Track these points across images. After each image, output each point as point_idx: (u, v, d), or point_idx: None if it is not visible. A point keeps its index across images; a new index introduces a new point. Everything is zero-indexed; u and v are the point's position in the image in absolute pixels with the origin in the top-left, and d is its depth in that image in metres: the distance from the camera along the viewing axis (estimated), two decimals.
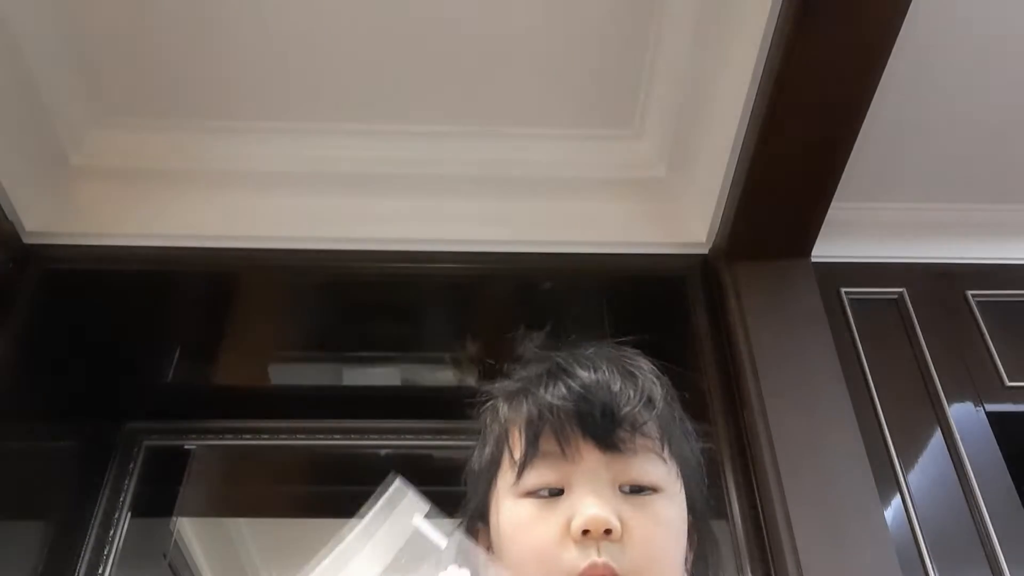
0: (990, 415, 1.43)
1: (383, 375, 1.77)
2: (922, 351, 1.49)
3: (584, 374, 0.71)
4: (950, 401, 1.43)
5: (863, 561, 1.19)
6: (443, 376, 1.77)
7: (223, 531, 1.95)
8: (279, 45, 1.48)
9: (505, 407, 0.76)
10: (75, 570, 1.56)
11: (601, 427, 0.69)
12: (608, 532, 0.64)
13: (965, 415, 1.42)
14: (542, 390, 0.72)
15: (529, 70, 1.52)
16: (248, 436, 1.77)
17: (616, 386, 0.71)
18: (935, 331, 1.52)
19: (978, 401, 1.44)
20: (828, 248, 1.53)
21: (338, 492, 1.89)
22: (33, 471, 1.51)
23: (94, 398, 1.65)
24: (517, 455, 0.71)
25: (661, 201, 1.62)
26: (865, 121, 1.32)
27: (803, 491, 1.24)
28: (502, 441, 0.74)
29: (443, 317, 1.67)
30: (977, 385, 1.46)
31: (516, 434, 0.72)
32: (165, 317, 1.63)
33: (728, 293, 1.48)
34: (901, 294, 1.57)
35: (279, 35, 1.46)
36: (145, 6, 1.42)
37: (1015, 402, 1.45)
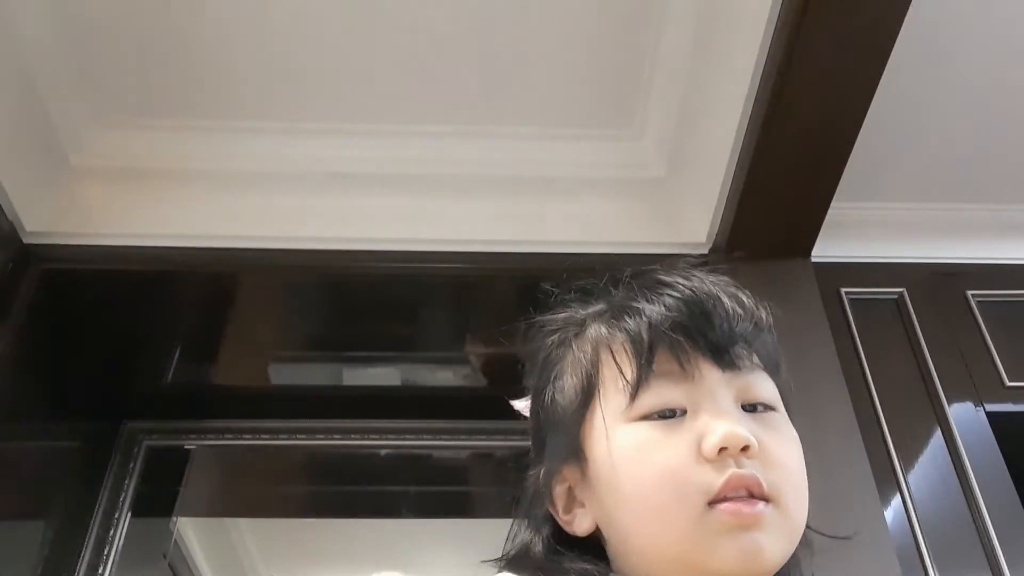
0: (990, 415, 1.43)
1: (383, 375, 1.77)
2: (922, 351, 1.49)
3: (688, 287, 0.66)
4: (950, 401, 1.43)
5: (863, 561, 1.19)
6: (443, 376, 1.77)
7: (223, 531, 1.95)
8: (279, 45, 1.48)
9: (597, 327, 0.68)
10: (75, 570, 1.56)
11: (720, 341, 0.64)
12: (745, 449, 0.59)
13: (965, 415, 1.42)
14: (645, 303, 0.65)
15: (529, 70, 1.52)
16: (248, 436, 1.77)
17: (727, 302, 0.65)
18: (935, 331, 1.52)
19: (978, 401, 1.44)
20: (828, 248, 1.53)
21: (338, 492, 1.89)
22: (33, 471, 1.51)
23: (94, 398, 1.65)
24: (628, 376, 0.63)
25: (661, 201, 1.62)
26: (865, 121, 1.32)
27: None
28: (596, 365, 0.66)
29: (443, 317, 1.67)
30: (977, 385, 1.46)
31: (620, 353, 0.65)
32: (165, 317, 1.62)
33: None
34: (901, 294, 1.57)
35: (279, 35, 1.46)
36: (145, 6, 1.42)
37: (1015, 402, 1.46)
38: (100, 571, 1.58)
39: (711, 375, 0.63)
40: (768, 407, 0.65)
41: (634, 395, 0.63)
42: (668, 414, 0.62)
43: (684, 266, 0.71)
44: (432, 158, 1.61)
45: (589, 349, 0.68)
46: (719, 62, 1.39)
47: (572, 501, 0.68)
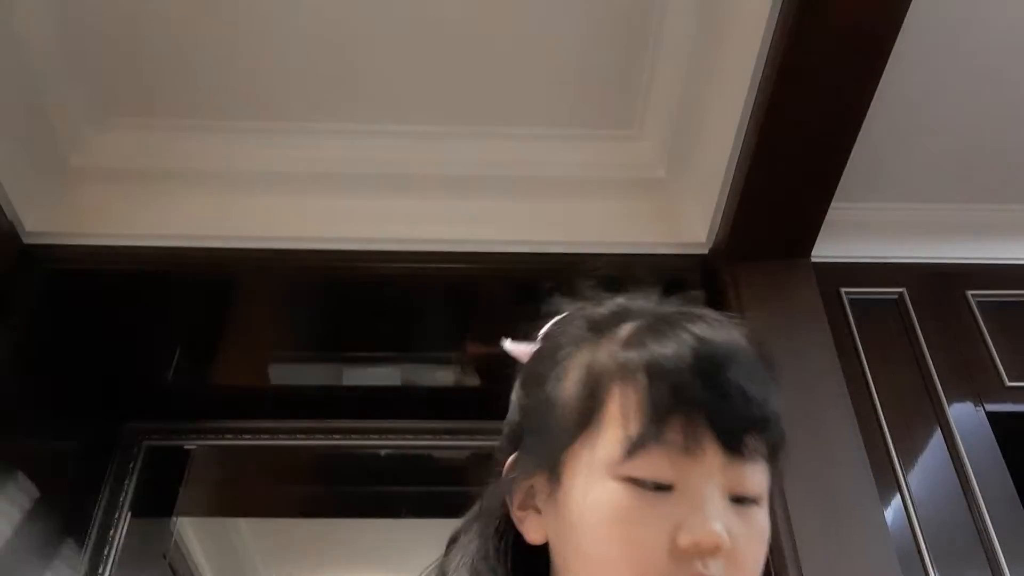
0: (990, 415, 1.43)
1: (383, 375, 1.77)
2: (922, 351, 1.49)
3: (727, 360, 0.60)
4: (950, 401, 1.43)
5: (863, 561, 1.19)
6: (443, 376, 1.77)
7: (223, 531, 1.95)
8: (279, 46, 1.48)
9: (623, 350, 0.63)
10: (75, 570, 1.56)
11: (735, 427, 0.60)
12: (717, 548, 0.57)
13: (965, 415, 1.42)
14: (677, 355, 0.60)
15: (529, 70, 1.52)
16: (248, 436, 1.77)
17: (755, 386, 0.61)
18: (935, 331, 1.52)
19: (978, 401, 1.44)
20: (828, 248, 1.53)
21: (338, 492, 1.89)
22: (33, 471, 1.51)
23: (94, 398, 1.65)
24: (631, 432, 0.59)
25: (661, 201, 1.62)
26: (865, 121, 1.32)
27: (803, 491, 1.24)
28: (605, 393, 0.61)
29: (443, 317, 1.67)
30: (977, 385, 1.46)
31: (633, 401, 0.60)
32: (165, 317, 1.62)
33: (728, 293, 1.48)
34: (901, 294, 1.57)
35: (279, 36, 1.46)
36: (145, 7, 1.42)
37: (1015, 402, 1.46)
38: (100, 571, 1.58)
39: (713, 459, 0.60)
40: (758, 500, 0.62)
41: (629, 455, 0.59)
42: (657, 487, 0.59)
43: (725, 320, 0.65)
44: (432, 158, 1.61)
45: (604, 370, 0.63)
46: (719, 63, 1.39)
47: (530, 500, 0.65)
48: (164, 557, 1.68)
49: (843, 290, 1.56)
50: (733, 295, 1.47)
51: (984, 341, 1.51)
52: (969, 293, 1.57)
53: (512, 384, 0.73)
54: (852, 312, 1.54)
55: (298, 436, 1.77)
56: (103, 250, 1.53)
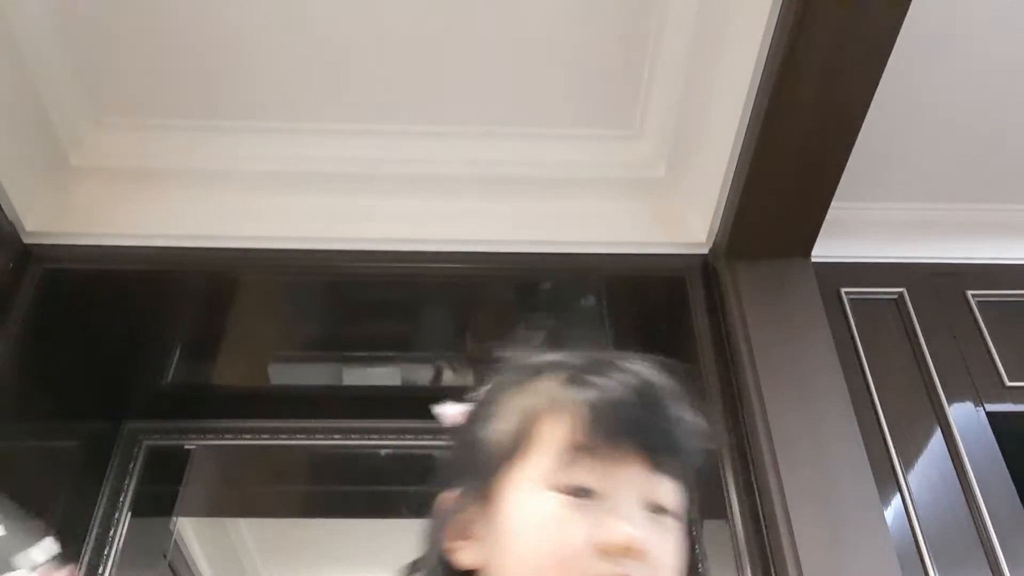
0: (990, 415, 1.43)
1: (383, 375, 1.77)
2: (922, 351, 1.49)
3: (646, 378, 0.68)
4: (950, 401, 1.43)
5: (863, 561, 1.19)
6: (443, 376, 1.77)
7: (223, 531, 1.95)
8: (279, 46, 1.48)
9: (548, 383, 0.70)
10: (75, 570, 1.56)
11: (658, 442, 0.67)
12: (632, 550, 0.63)
13: (965, 415, 1.42)
14: (600, 378, 0.67)
15: (529, 70, 1.52)
16: (248, 436, 1.77)
17: (673, 406, 0.68)
18: (935, 331, 1.52)
19: (978, 401, 1.44)
20: (828, 248, 1.53)
21: (338, 492, 1.90)
22: (33, 471, 1.51)
23: (94, 398, 1.65)
24: (556, 445, 0.66)
25: (661, 201, 1.62)
26: (865, 121, 1.32)
27: (803, 491, 1.24)
28: (534, 421, 0.68)
29: (443, 317, 1.67)
30: (977, 385, 1.46)
31: (558, 420, 0.67)
32: (165, 317, 1.62)
33: (728, 293, 1.48)
34: (901, 294, 1.57)
35: (279, 36, 1.46)
36: (145, 7, 1.42)
37: (1015, 402, 1.46)
38: (100, 571, 1.58)
39: (634, 470, 0.66)
40: (669, 513, 0.68)
41: (555, 466, 0.65)
42: (581, 494, 0.65)
43: (641, 360, 0.71)
44: (432, 158, 1.61)
45: (533, 402, 0.70)
46: (719, 62, 1.39)
47: (466, 531, 0.70)
48: (164, 557, 1.68)
49: (843, 290, 1.56)
50: (733, 295, 1.47)
51: (984, 341, 1.52)
52: (969, 293, 1.57)
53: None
54: (852, 312, 1.54)
55: (298, 436, 1.77)
56: (103, 250, 1.53)
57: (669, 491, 0.68)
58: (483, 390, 0.75)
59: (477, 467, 0.70)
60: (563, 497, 0.65)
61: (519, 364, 0.75)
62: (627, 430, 0.66)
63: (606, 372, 0.68)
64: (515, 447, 0.68)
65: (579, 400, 0.67)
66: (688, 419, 0.69)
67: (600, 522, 0.64)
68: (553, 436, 0.67)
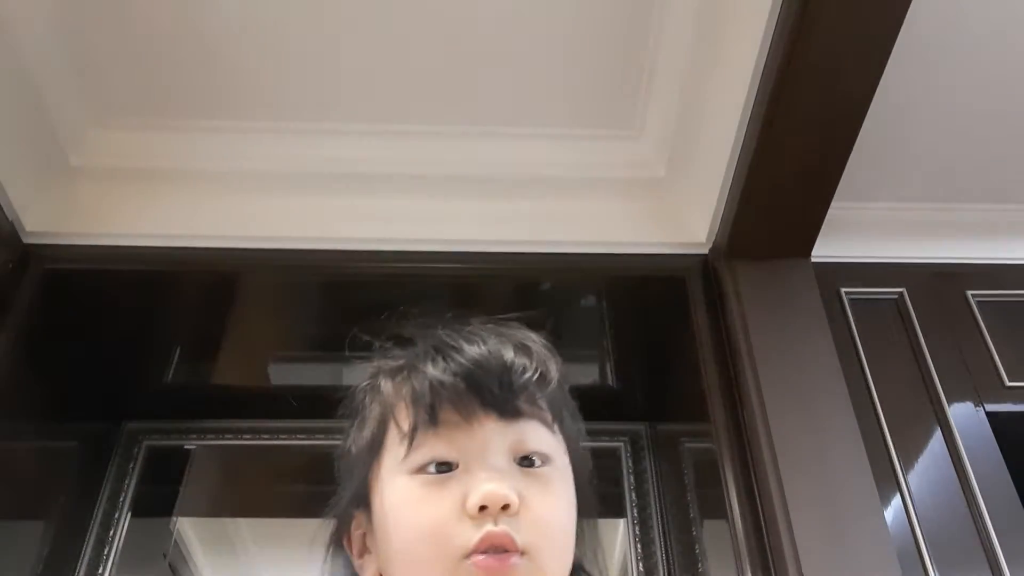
0: (990, 415, 1.43)
1: None
2: (922, 351, 1.49)
3: (473, 348, 0.69)
4: (950, 401, 1.43)
5: (863, 561, 1.19)
6: None
7: (223, 531, 1.95)
8: (279, 45, 1.48)
9: (389, 383, 0.72)
10: (75, 570, 1.56)
11: (497, 396, 0.66)
12: (506, 507, 0.62)
13: (965, 415, 1.42)
14: (430, 365, 0.68)
15: (529, 70, 1.52)
16: (248, 436, 1.77)
17: (509, 355, 0.68)
18: (935, 331, 1.52)
19: (978, 401, 1.44)
20: (828, 248, 1.53)
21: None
22: (33, 471, 1.51)
23: (94, 398, 1.65)
24: (404, 430, 0.67)
25: (661, 201, 1.62)
26: (865, 121, 1.32)
27: (803, 491, 1.24)
28: (386, 418, 0.70)
29: (443, 317, 1.67)
30: (977, 385, 1.46)
31: (402, 410, 0.69)
32: (165, 317, 1.62)
33: (728, 293, 1.48)
34: (901, 294, 1.57)
35: (279, 35, 1.46)
36: (145, 7, 1.42)
37: (1015, 402, 1.46)
38: (100, 571, 1.58)
39: (488, 427, 0.66)
40: (545, 459, 0.67)
41: (408, 448, 0.66)
42: (442, 468, 0.65)
43: (476, 323, 0.74)
44: (432, 158, 1.61)
45: (379, 403, 0.72)
46: (719, 62, 1.39)
47: (363, 546, 0.71)
48: (164, 557, 1.68)
49: (843, 290, 1.56)
50: (733, 295, 1.47)
51: (984, 341, 1.51)
52: (969, 293, 1.57)
53: None
54: (852, 312, 1.54)
55: (298, 436, 1.77)
56: (103, 250, 1.52)
57: (536, 437, 0.67)
58: (349, 401, 0.79)
59: (352, 476, 0.73)
60: (421, 477, 0.65)
61: (369, 374, 0.77)
62: (464, 393, 0.66)
63: (431, 355, 0.69)
64: (377, 445, 0.70)
65: (413, 386, 0.68)
66: (532, 356, 0.69)
67: (463, 489, 0.63)
68: (400, 422, 0.68)
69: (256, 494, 1.87)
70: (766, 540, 1.25)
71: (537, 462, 0.66)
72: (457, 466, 0.65)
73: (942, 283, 1.58)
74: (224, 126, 1.58)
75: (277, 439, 1.77)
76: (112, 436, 1.72)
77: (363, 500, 0.70)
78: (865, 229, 1.62)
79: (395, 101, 1.56)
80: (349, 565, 0.73)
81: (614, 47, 1.49)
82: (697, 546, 1.49)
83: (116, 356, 1.64)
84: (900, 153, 1.58)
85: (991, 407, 1.44)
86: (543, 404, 0.69)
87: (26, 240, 1.51)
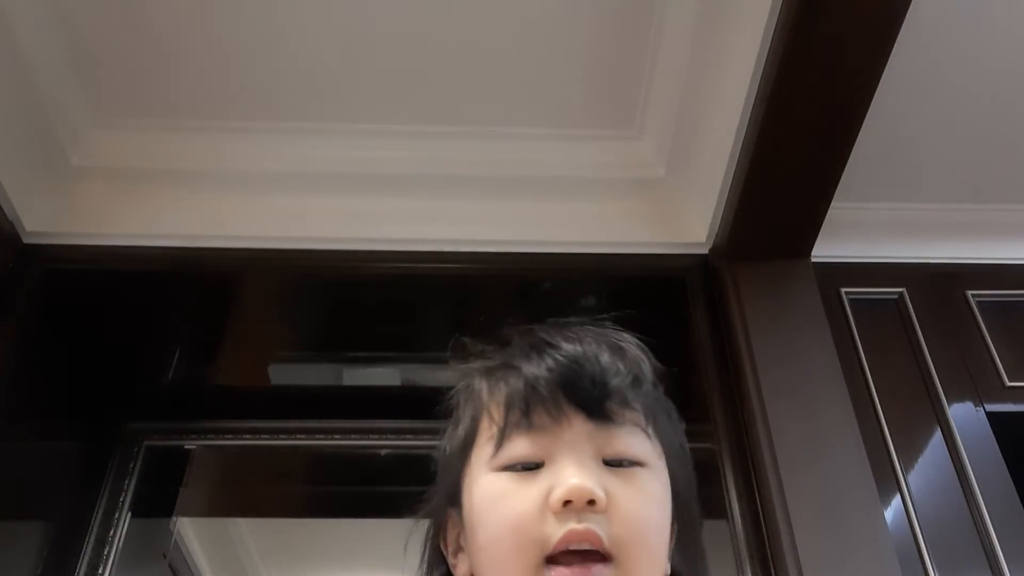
0: (990, 415, 1.43)
1: (383, 375, 1.77)
2: (922, 351, 1.49)
3: (569, 346, 0.68)
4: (950, 401, 1.43)
5: (863, 561, 1.19)
6: (443, 376, 1.77)
7: (223, 531, 1.95)
8: (279, 45, 1.48)
9: (483, 383, 0.72)
10: (75, 570, 1.56)
11: (589, 397, 0.66)
12: (592, 503, 0.61)
13: (965, 415, 1.42)
14: (525, 363, 0.68)
15: (529, 70, 1.52)
16: (248, 436, 1.77)
17: (604, 357, 0.68)
18: (935, 331, 1.52)
19: (978, 401, 1.44)
20: (828, 248, 1.53)
21: (338, 492, 1.89)
22: (33, 471, 1.51)
23: (94, 398, 1.65)
24: (496, 428, 0.67)
25: (661, 201, 1.62)
26: (865, 121, 1.32)
27: (803, 491, 1.24)
28: (479, 418, 0.70)
29: (443, 317, 1.67)
30: (977, 385, 1.46)
31: (495, 409, 0.69)
32: (165, 317, 1.62)
33: (728, 293, 1.48)
34: (901, 294, 1.57)
35: (279, 35, 1.46)
36: (145, 7, 1.42)
37: (1015, 402, 1.45)
38: (100, 571, 1.58)
39: (574, 429, 0.65)
40: (634, 462, 0.66)
41: (498, 446, 0.66)
42: (530, 466, 0.65)
43: (573, 323, 0.74)
44: (432, 158, 1.61)
45: (473, 404, 0.72)
46: (719, 62, 1.39)
47: (457, 544, 0.71)
48: (164, 557, 1.68)
49: (843, 290, 1.56)
50: (733, 295, 1.47)
51: (984, 341, 1.51)
52: (969, 293, 1.57)
53: None
54: (852, 312, 1.54)
55: (298, 436, 1.77)
56: (103, 250, 1.52)
57: (628, 440, 0.67)
58: (446, 405, 0.78)
59: (447, 474, 0.73)
60: (508, 474, 0.65)
61: (465, 374, 0.77)
62: (557, 393, 0.66)
63: (527, 353, 0.69)
64: (467, 444, 0.70)
65: (506, 385, 0.68)
66: (626, 359, 0.69)
67: (549, 484, 0.63)
68: (491, 421, 0.68)
69: (256, 494, 1.87)
70: (766, 540, 1.25)
71: (627, 464, 0.66)
72: (544, 464, 0.65)
73: (942, 283, 1.58)
74: (224, 126, 1.58)
75: (277, 439, 1.77)
76: (112, 436, 1.72)
77: (456, 499, 0.71)
78: (865, 229, 1.62)
79: (395, 101, 1.56)
80: (442, 564, 0.73)
81: (614, 47, 1.49)
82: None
83: (116, 356, 1.64)
84: (900, 153, 1.58)
85: (991, 407, 1.44)
86: (637, 406, 0.68)
87: (26, 240, 1.51)
